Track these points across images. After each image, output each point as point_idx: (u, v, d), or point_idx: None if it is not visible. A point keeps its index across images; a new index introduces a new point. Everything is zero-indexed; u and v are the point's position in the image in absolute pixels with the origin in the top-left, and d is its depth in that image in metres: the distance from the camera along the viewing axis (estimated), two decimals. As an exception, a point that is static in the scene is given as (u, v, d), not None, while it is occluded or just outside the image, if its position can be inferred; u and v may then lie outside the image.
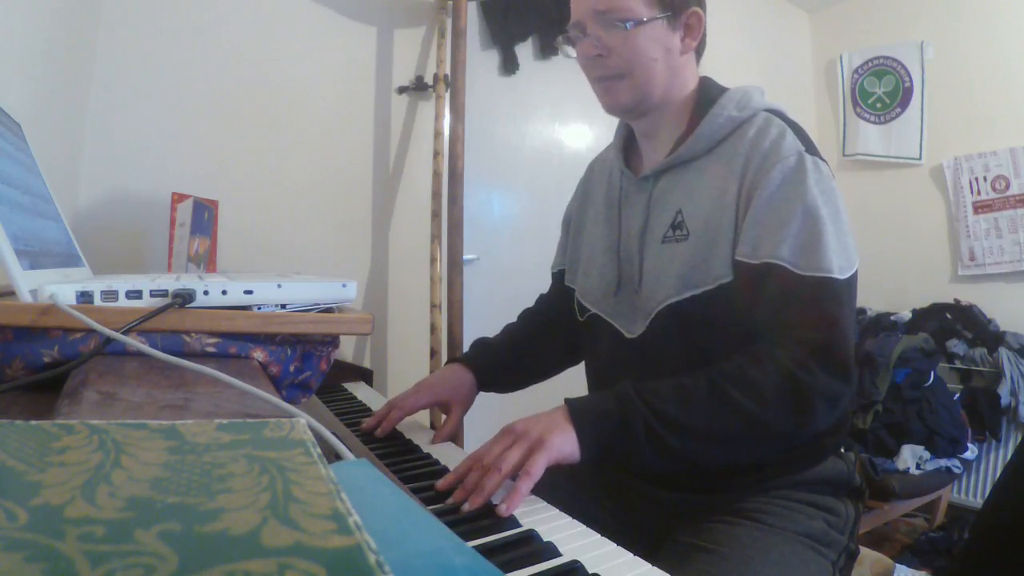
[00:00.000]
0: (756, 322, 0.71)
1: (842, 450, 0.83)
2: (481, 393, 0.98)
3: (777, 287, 0.69)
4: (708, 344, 0.76)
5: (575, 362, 1.05)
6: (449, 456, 0.75)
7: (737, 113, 0.79)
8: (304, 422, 0.32)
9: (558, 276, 1.04)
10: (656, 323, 0.79)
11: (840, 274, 0.69)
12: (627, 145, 0.93)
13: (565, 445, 0.64)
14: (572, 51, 0.86)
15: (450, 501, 0.60)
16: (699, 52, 0.86)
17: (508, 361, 0.99)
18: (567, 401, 0.69)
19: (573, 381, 1.09)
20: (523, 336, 1.03)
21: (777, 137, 0.75)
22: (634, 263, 0.84)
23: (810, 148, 0.75)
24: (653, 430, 0.65)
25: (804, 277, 0.69)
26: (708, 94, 0.83)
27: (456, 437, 0.88)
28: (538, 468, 0.61)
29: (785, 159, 0.73)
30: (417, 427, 0.89)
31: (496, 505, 0.58)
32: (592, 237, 0.94)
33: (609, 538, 0.55)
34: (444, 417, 0.90)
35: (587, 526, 0.58)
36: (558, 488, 0.66)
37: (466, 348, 1.73)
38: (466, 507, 0.58)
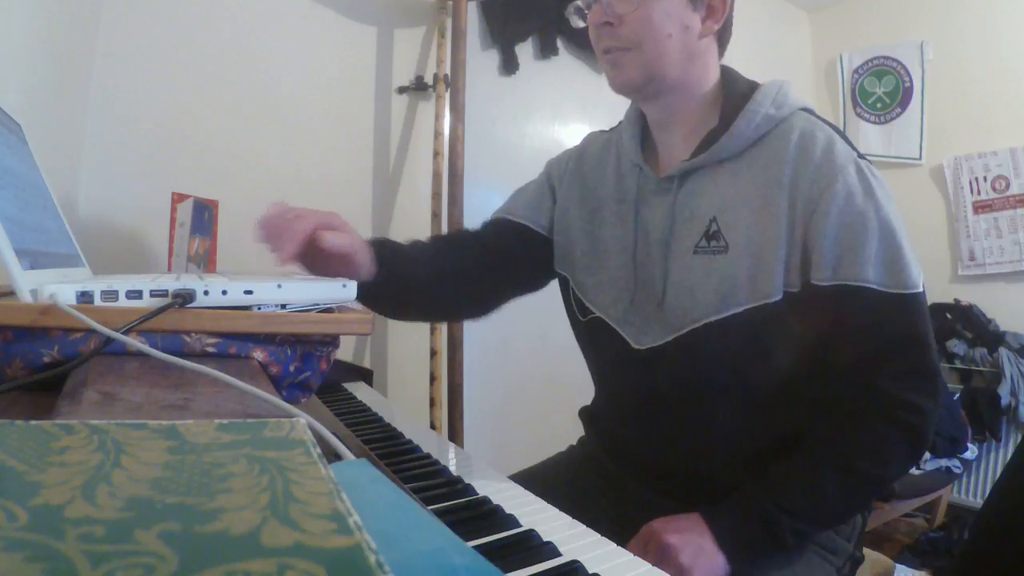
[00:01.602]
0: (841, 350, 0.68)
1: None
2: (478, 395, 0.94)
3: (865, 310, 0.67)
4: (740, 366, 0.73)
5: (475, 317, 0.95)
6: (449, 456, 0.75)
7: (775, 111, 0.73)
8: (304, 422, 0.32)
9: (513, 228, 0.92)
10: (686, 340, 0.74)
11: (922, 287, 0.68)
12: (642, 137, 0.86)
13: None
14: (581, 22, 0.80)
15: None
16: (722, 41, 0.80)
17: (406, 269, 0.82)
18: (707, 519, 0.68)
19: (581, 385, 1.08)
20: (437, 255, 0.87)
21: (827, 145, 0.70)
22: (655, 272, 0.78)
23: (858, 152, 0.71)
24: (800, 533, 0.67)
25: (893, 296, 0.66)
26: (737, 87, 0.77)
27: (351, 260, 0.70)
28: None
29: (844, 169, 0.68)
30: (418, 427, 0.89)
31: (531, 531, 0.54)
32: (599, 233, 0.87)
33: (622, 531, 0.55)
34: (432, 414, 0.88)
35: (599, 516, 0.57)
36: (558, 492, 0.66)
37: (466, 348, 1.75)
38: None
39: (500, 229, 0.93)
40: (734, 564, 0.66)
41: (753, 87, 0.77)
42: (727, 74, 0.80)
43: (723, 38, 0.80)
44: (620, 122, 0.93)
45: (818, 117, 0.76)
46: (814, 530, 0.70)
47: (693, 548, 0.65)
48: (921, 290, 0.68)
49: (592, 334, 0.87)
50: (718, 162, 0.75)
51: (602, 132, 0.98)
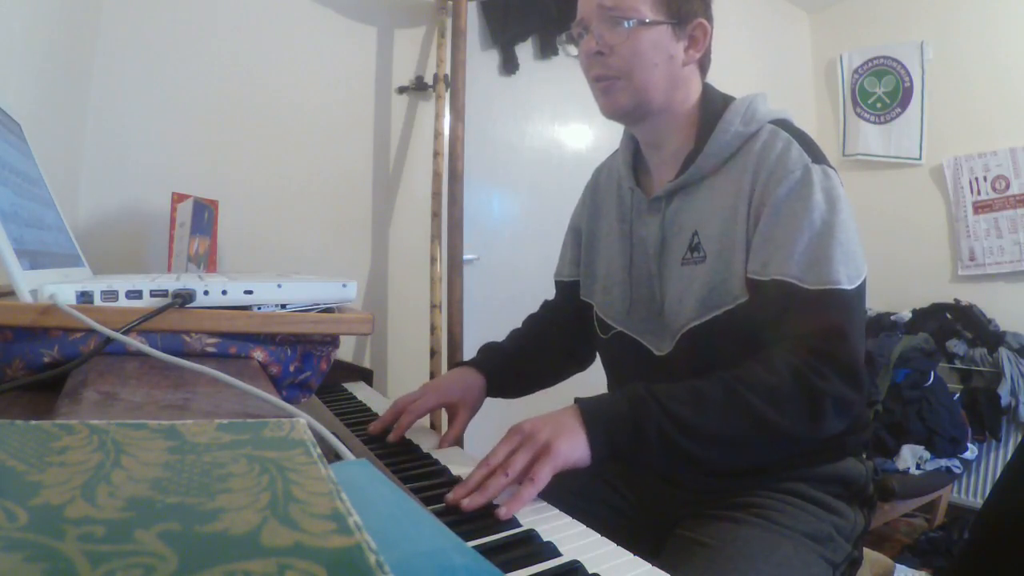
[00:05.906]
0: (769, 335, 0.71)
1: (864, 456, 0.83)
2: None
3: (787, 302, 0.70)
4: (732, 361, 0.75)
5: (581, 368, 1.05)
6: (450, 457, 0.75)
7: (743, 128, 0.79)
8: (304, 422, 0.32)
9: (567, 286, 1.02)
10: (681, 344, 0.80)
11: (848, 284, 0.69)
12: (635, 158, 0.92)
13: (574, 451, 0.63)
14: (574, 49, 0.85)
15: (450, 497, 0.59)
16: (704, 66, 0.85)
17: (518, 365, 0.97)
18: (578, 401, 0.68)
19: (584, 386, 1.09)
20: (533, 341, 1.02)
21: (783, 151, 0.75)
22: (653, 285, 0.84)
23: (816, 157, 0.75)
24: (666, 434, 0.65)
25: (811, 291, 0.69)
26: (712, 105, 0.82)
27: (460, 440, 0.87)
28: (543, 476, 0.61)
29: (791, 173, 0.73)
30: (418, 428, 0.89)
31: (496, 507, 0.58)
32: (609, 254, 0.93)
33: (620, 519, 0.55)
34: (447, 420, 0.89)
35: (601, 507, 0.57)
36: (559, 492, 0.66)
37: (466, 348, 1.75)
38: (465, 503, 0.58)
39: (561, 292, 1.05)
40: (595, 443, 0.64)
41: (727, 104, 0.82)
42: (705, 94, 0.85)
43: (704, 65, 0.85)
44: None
45: (790, 127, 0.79)
46: (679, 439, 0.65)
47: (554, 425, 0.64)
48: (848, 287, 0.69)
49: (616, 348, 0.91)
50: (698, 179, 0.81)
51: (609, 158, 1.02)
